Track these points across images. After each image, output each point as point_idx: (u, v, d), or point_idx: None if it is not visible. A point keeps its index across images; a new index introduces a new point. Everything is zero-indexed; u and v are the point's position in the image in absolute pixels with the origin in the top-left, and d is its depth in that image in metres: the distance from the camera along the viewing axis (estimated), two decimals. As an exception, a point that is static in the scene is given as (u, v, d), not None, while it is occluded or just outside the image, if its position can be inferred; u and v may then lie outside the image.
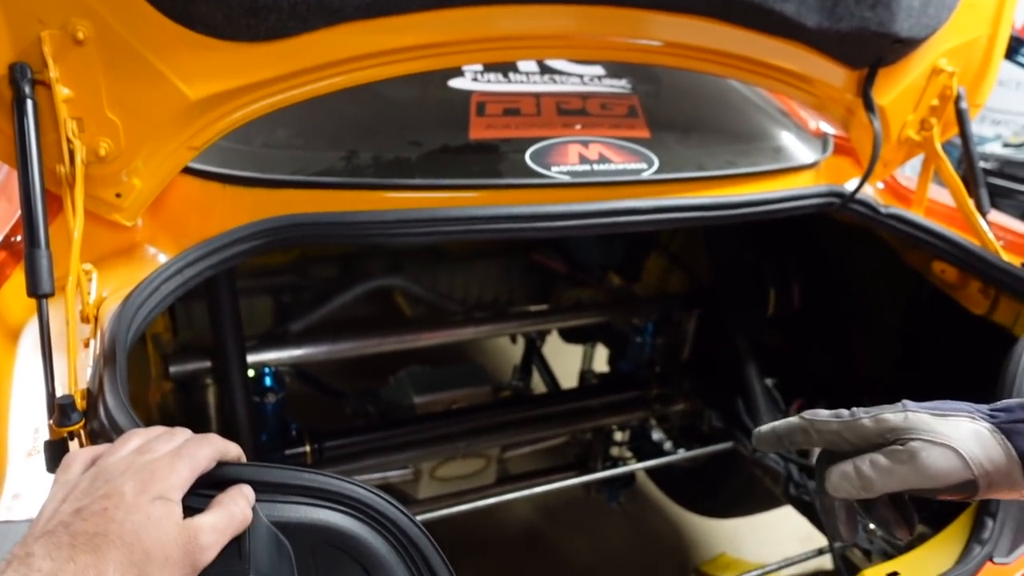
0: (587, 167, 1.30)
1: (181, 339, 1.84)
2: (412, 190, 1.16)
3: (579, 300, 2.59)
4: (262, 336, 1.86)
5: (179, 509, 0.61)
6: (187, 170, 1.13)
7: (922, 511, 1.60)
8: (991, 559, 1.11)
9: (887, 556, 1.54)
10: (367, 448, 1.77)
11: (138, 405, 1.48)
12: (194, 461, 0.66)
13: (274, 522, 0.70)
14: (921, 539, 1.49)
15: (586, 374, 2.59)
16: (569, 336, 2.58)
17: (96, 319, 0.95)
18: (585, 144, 1.34)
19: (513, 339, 2.73)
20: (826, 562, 2.86)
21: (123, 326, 0.87)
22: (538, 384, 2.80)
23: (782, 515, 2.63)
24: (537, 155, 1.29)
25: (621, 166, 1.32)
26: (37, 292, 0.85)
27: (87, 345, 0.93)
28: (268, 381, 1.66)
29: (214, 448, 0.68)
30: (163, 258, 1.11)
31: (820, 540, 2.95)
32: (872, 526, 1.52)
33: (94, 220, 1.05)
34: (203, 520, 0.62)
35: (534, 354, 2.58)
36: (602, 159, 1.32)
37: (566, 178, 1.26)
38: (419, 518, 1.59)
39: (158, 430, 0.71)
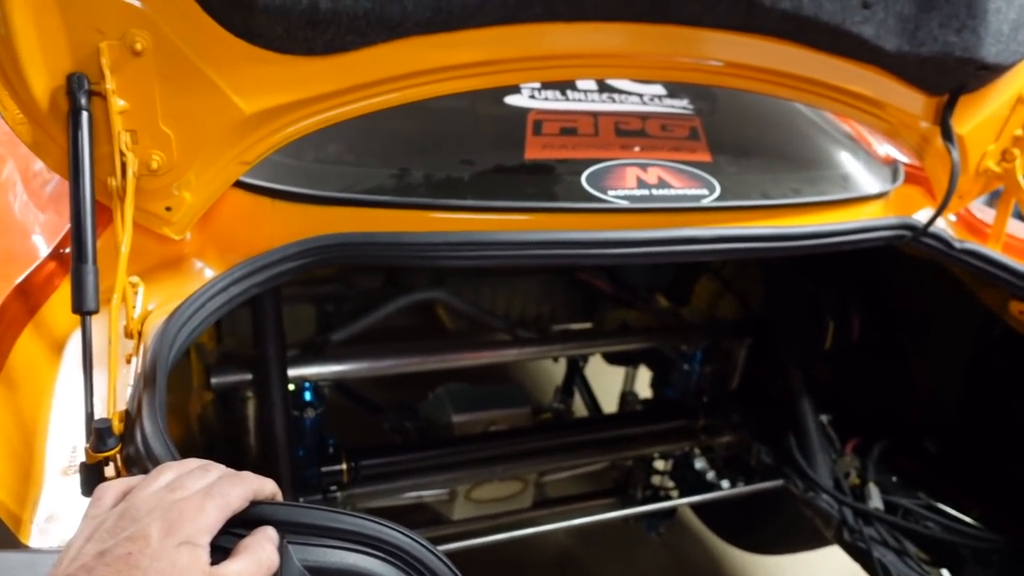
0: (646, 192, 1.25)
1: (225, 347, 1.83)
2: (462, 211, 1.12)
3: (624, 322, 2.52)
4: (304, 345, 1.84)
5: (206, 555, 0.58)
6: (237, 184, 1.10)
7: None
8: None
9: (949, 614, 1.44)
10: (404, 468, 1.73)
11: (178, 416, 1.47)
12: (225, 501, 0.63)
13: (308, 567, 0.66)
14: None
15: (628, 396, 2.52)
16: (613, 358, 2.51)
17: (140, 334, 0.93)
18: (644, 167, 1.29)
19: (555, 359, 2.67)
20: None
21: (165, 346, 0.84)
22: (579, 406, 2.74)
23: (826, 553, 2.52)
24: (594, 178, 1.24)
25: (681, 191, 1.27)
26: (81, 309, 0.83)
27: (129, 361, 0.91)
28: (308, 396, 1.64)
29: (246, 487, 0.65)
30: (209, 273, 1.09)
31: (868, 581, 2.83)
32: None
33: (143, 232, 1.03)
34: (230, 568, 0.59)
35: (576, 375, 2.52)
36: (661, 183, 1.27)
37: (624, 203, 1.21)
38: (451, 546, 1.54)
39: (192, 463, 0.68)
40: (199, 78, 0.92)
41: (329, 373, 1.67)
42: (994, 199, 1.75)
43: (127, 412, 0.80)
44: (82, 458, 0.78)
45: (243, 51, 0.92)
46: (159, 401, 0.76)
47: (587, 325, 2.65)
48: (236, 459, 1.44)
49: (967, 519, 1.63)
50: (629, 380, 2.54)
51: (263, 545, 0.63)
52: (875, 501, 1.67)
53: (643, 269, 2.44)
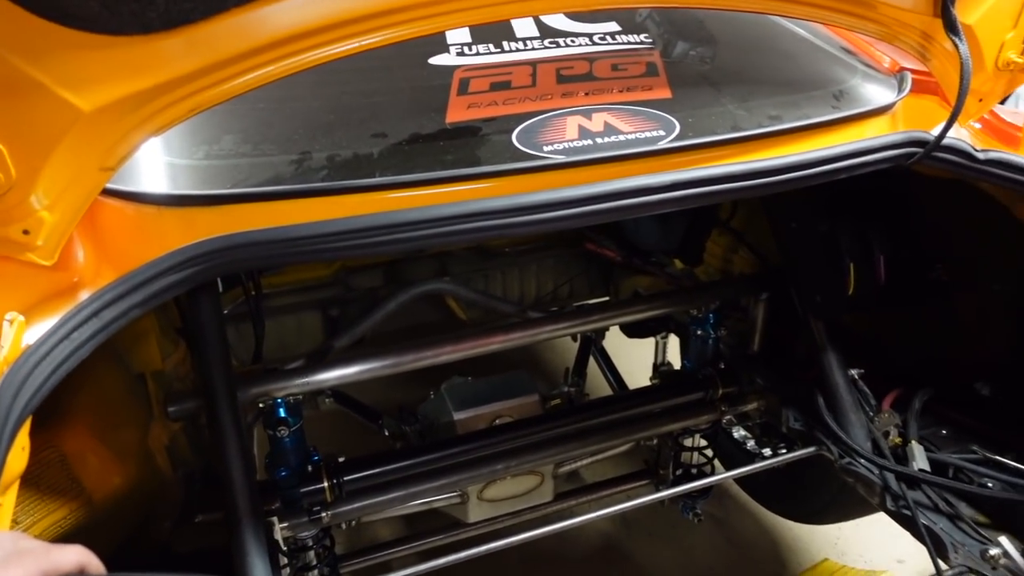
0: (588, 141, 1.07)
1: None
2: (368, 191, 0.97)
3: (636, 291, 2.35)
4: (309, 354, 1.73)
5: None
6: (116, 194, 0.98)
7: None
8: None
9: (1016, 582, 1.24)
10: (396, 478, 1.61)
11: (131, 454, 1.37)
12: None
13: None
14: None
15: (660, 367, 2.34)
16: (632, 331, 2.33)
17: None
18: (587, 114, 1.12)
19: (574, 338, 2.51)
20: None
21: (3, 402, 0.72)
22: (599, 386, 2.57)
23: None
24: (526, 134, 1.07)
25: (631, 135, 1.09)
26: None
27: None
28: (281, 412, 1.53)
29: (26, 569, 0.53)
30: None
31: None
32: (992, 552, 1.23)
33: (13, 263, 0.92)
34: None
35: (590, 353, 2.35)
36: (608, 130, 1.09)
37: (560, 158, 1.04)
38: (478, 549, 1.38)
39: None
40: (15, 76, 0.79)
41: (321, 381, 1.55)
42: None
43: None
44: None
45: (62, 37, 0.79)
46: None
47: (598, 301, 2.48)
48: (218, 489, 1.34)
49: (1031, 470, 1.41)
50: (660, 351, 2.37)
51: None
52: (919, 461, 1.47)
53: (651, 230, 2.25)
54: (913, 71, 1.45)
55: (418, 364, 1.69)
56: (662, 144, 1.08)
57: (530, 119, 1.10)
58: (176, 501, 1.50)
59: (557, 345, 3.53)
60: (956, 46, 1.19)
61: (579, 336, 2.33)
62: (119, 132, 0.88)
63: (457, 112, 1.10)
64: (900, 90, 1.37)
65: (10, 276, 0.92)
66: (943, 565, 1.29)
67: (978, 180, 1.32)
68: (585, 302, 2.44)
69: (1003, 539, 1.21)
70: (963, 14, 1.19)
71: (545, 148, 1.05)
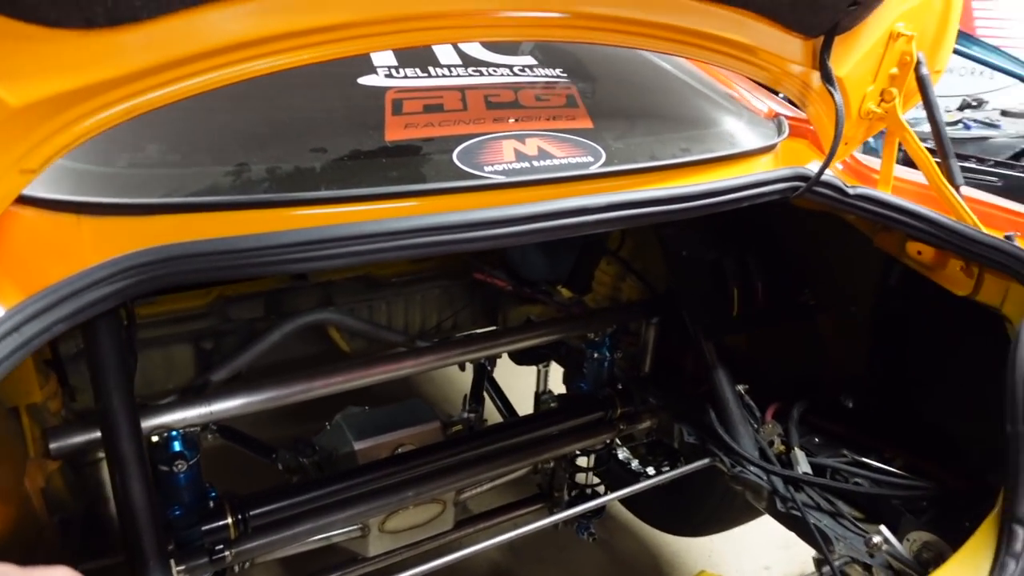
0: (525, 164, 1.12)
1: (78, 406, 1.58)
2: (318, 205, 0.95)
3: (528, 318, 2.41)
4: (182, 391, 1.61)
5: None
6: (31, 201, 0.90)
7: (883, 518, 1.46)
8: (1028, 574, 0.96)
9: (891, 569, 1.39)
10: (303, 511, 1.53)
11: (11, 494, 1.23)
12: None
13: None
14: (935, 554, 1.36)
15: (543, 396, 2.41)
16: (521, 358, 2.38)
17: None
18: (521, 139, 1.16)
19: (462, 366, 2.53)
20: (803, 568, 2.73)
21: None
22: (492, 413, 2.60)
23: (757, 524, 2.48)
24: (466, 154, 1.10)
25: (564, 160, 1.15)
26: None
27: None
28: (177, 446, 1.42)
29: None
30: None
31: (800, 547, 2.82)
32: (875, 539, 1.38)
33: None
34: None
35: (485, 380, 2.38)
36: (543, 154, 1.14)
37: (501, 178, 1.08)
38: None
39: None
40: (-63, 64, 0.71)
41: (206, 415, 1.44)
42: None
43: None
44: None
45: (-4, 26, 0.72)
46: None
47: (492, 329, 2.52)
48: (99, 535, 1.22)
49: (893, 470, 1.59)
50: (542, 380, 2.43)
51: None
52: (802, 466, 1.62)
53: (540, 260, 2.33)
54: (788, 117, 1.63)
55: (316, 393, 1.63)
56: (593, 169, 1.15)
57: (468, 140, 1.13)
58: (53, 550, 1.34)
59: (436, 377, 3.53)
60: (831, 94, 1.35)
61: (474, 364, 2.35)
62: (46, 131, 0.81)
63: (396, 131, 1.11)
64: (780, 132, 1.54)
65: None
66: (831, 557, 1.42)
67: (845, 212, 1.50)
68: (477, 331, 2.47)
69: (882, 528, 1.35)
70: (836, 67, 1.36)
71: (486, 168, 1.08)
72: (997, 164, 2.94)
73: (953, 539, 1.35)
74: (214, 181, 0.97)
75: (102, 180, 0.95)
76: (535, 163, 1.13)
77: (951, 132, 3.58)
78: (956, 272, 1.42)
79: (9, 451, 1.24)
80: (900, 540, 1.36)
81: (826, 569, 1.42)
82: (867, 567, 1.42)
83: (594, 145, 1.21)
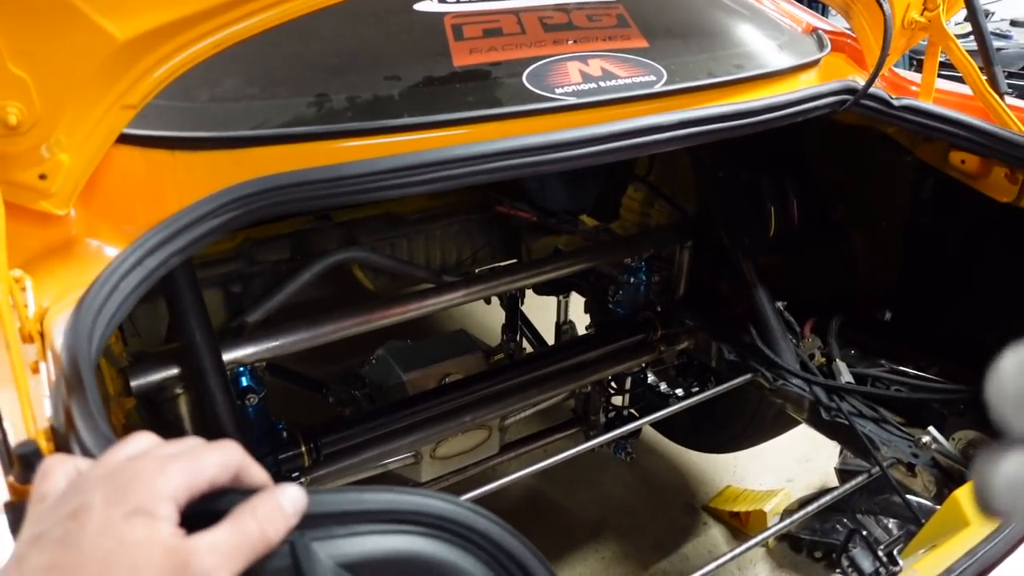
0: (592, 85, 1.13)
1: (132, 349, 1.61)
2: (402, 132, 0.97)
3: (556, 248, 2.44)
4: (219, 333, 1.64)
5: (167, 526, 0.44)
6: (122, 138, 0.90)
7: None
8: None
9: (936, 467, 1.46)
10: (367, 439, 1.59)
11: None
12: (195, 465, 0.48)
13: (342, 563, 0.53)
14: (977, 448, 1.42)
15: (564, 326, 2.45)
16: (544, 288, 2.42)
17: (42, 336, 0.74)
18: (584, 60, 1.16)
19: (488, 299, 2.56)
20: (824, 479, 2.84)
21: (82, 340, 0.66)
22: (525, 345, 2.65)
23: (778, 441, 2.58)
24: (535, 77, 1.11)
25: (629, 80, 1.15)
26: (-44, 311, 0.64)
27: (36, 371, 0.72)
28: (245, 380, 1.46)
29: (227, 455, 0.50)
30: (111, 251, 0.89)
31: (819, 459, 2.95)
32: (924, 439, 1.45)
33: (15, 213, 0.83)
34: (202, 539, 0.45)
35: (518, 312, 2.42)
36: (607, 75, 1.15)
37: (573, 99, 1.09)
38: None
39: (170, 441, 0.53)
40: (51, 0, 0.71)
41: (262, 352, 1.48)
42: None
43: (52, 428, 0.62)
44: (4, 496, 0.60)
45: (102, -43, 0.72)
46: (95, 403, 0.59)
47: (513, 261, 2.54)
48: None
49: (930, 377, 1.65)
50: (563, 310, 2.47)
51: (256, 511, 0.49)
52: (845, 376, 1.68)
53: (564, 192, 2.33)
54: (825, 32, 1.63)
55: (368, 326, 1.67)
56: (657, 88, 1.16)
57: (534, 63, 1.13)
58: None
59: (454, 313, 3.57)
60: (880, 4, 1.36)
61: (505, 297, 2.39)
62: (148, 65, 0.82)
63: (462, 56, 1.11)
64: (821, 47, 1.54)
65: (13, 229, 0.83)
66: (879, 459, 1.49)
67: (889, 125, 1.52)
68: (506, 263, 2.49)
69: (931, 428, 1.42)
70: (883, -24, 1.36)
71: (556, 90, 1.09)
72: (1012, 75, 2.93)
73: (996, 435, 1.42)
74: (298, 112, 0.97)
75: (188, 115, 0.95)
76: (601, 84, 1.13)
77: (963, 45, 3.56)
78: (1000, 179, 1.45)
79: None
80: (947, 439, 1.43)
81: (875, 470, 1.49)
82: (911, 467, 1.50)
83: (654, 64, 1.21)
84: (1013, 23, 3.62)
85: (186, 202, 0.89)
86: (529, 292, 2.42)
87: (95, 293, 0.73)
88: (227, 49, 0.90)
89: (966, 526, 0.96)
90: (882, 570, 0.98)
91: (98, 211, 0.93)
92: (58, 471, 0.50)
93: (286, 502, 0.50)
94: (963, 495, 1.03)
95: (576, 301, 2.48)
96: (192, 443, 0.51)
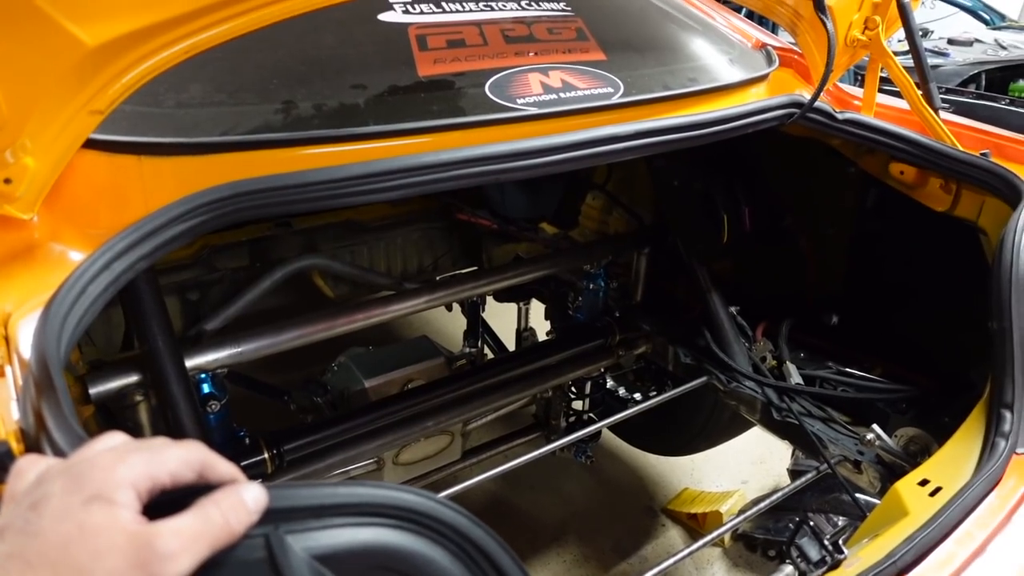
0: (553, 96, 1.17)
1: (88, 357, 1.59)
2: (369, 139, 0.99)
3: (517, 255, 2.47)
4: (180, 339, 1.63)
5: (126, 512, 0.45)
6: (88, 143, 0.91)
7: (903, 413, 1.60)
8: (1016, 451, 1.09)
9: (880, 463, 1.53)
10: (330, 445, 1.60)
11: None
12: (156, 456, 0.49)
13: (316, 555, 0.55)
14: (921, 446, 1.50)
15: (524, 333, 2.49)
16: (504, 295, 2.45)
17: (7, 339, 0.74)
18: (545, 72, 1.20)
19: (449, 306, 2.58)
20: (778, 480, 2.93)
21: (51, 341, 0.67)
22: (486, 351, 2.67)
23: (733, 444, 2.66)
24: (497, 87, 1.14)
25: (588, 91, 1.20)
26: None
27: (2, 374, 0.72)
28: (207, 387, 1.45)
29: (189, 452, 0.52)
30: (75, 256, 0.89)
31: (773, 462, 3.03)
32: (869, 436, 1.51)
33: (-19, 217, 0.83)
34: (164, 524, 0.46)
35: (479, 319, 2.44)
36: (567, 86, 1.19)
37: (534, 109, 1.12)
38: None
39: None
40: (18, 3, 0.72)
41: (223, 359, 1.48)
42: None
43: (22, 429, 0.63)
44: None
45: (73, -36, 0.73)
46: (66, 403, 0.60)
47: (474, 269, 2.57)
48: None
49: (875, 377, 1.73)
50: (523, 317, 2.51)
51: (220, 502, 0.50)
52: (795, 378, 1.74)
53: (524, 199, 2.37)
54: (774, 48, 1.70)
55: (330, 333, 1.68)
56: (615, 99, 1.20)
57: (496, 74, 1.16)
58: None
59: (414, 320, 3.58)
60: (824, 23, 1.43)
61: (467, 303, 2.41)
62: (115, 71, 0.82)
63: (427, 66, 1.14)
64: (770, 62, 1.61)
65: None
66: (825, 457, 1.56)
67: (833, 137, 1.59)
68: (467, 270, 2.52)
69: (874, 426, 1.49)
70: (827, -3, 1.43)
71: (518, 101, 1.13)
72: (948, 91, 3.08)
73: (936, 432, 1.50)
74: (265, 119, 0.99)
75: (155, 120, 0.96)
76: (561, 95, 1.17)
77: (902, 62, 3.71)
78: (936, 190, 1.53)
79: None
80: (890, 436, 1.50)
81: (823, 467, 1.56)
82: (857, 464, 1.56)
83: (611, 76, 1.26)
84: (950, 42, 3.80)
85: (152, 207, 0.90)
86: (490, 299, 2.45)
87: (63, 296, 0.73)
88: (195, 56, 0.91)
89: (905, 516, 1.02)
90: (828, 558, 1.03)
91: (63, 216, 0.93)
92: (31, 470, 0.51)
93: (248, 498, 0.52)
94: (903, 487, 1.09)
95: (537, 308, 2.52)
96: (160, 441, 0.53)
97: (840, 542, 1.03)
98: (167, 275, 2.04)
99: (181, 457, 0.51)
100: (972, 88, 3.37)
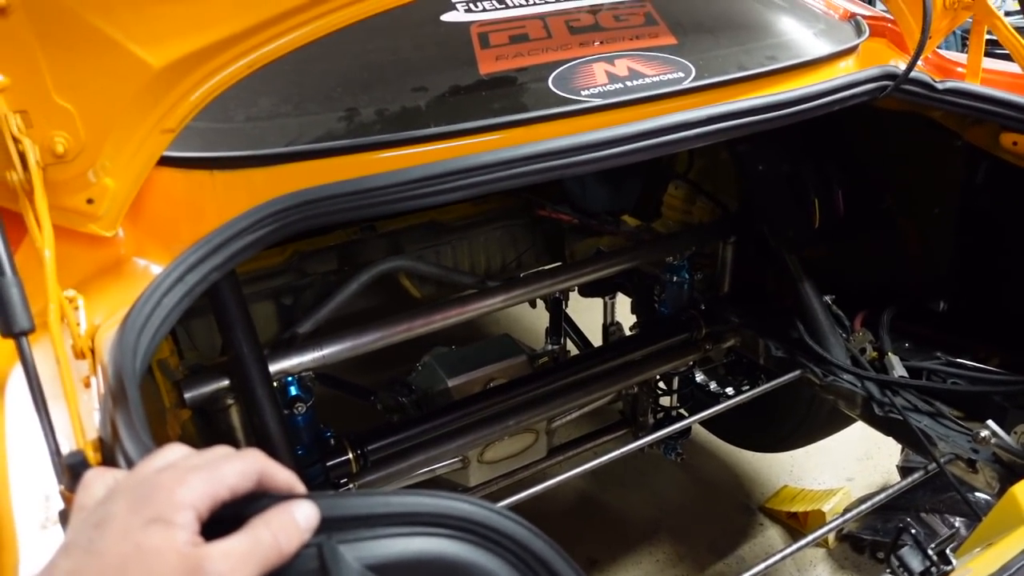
0: (619, 85, 1.13)
1: (188, 363, 1.67)
2: (430, 141, 0.99)
3: (598, 249, 2.43)
4: (272, 344, 1.69)
5: (184, 534, 0.47)
6: (164, 160, 0.95)
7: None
8: None
9: (998, 462, 1.41)
10: (414, 444, 1.62)
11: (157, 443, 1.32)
12: (215, 475, 0.50)
13: (368, 565, 0.55)
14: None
15: (611, 328, 2.44)
16: (589, 290, 2.42)
17: (93, 352, 0.78)
18: (611, 61, 1.16)
19: (532, 303, 2.57)
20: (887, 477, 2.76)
21: (127, 355, 0.70)
22: (570, 347, 2.65)
23: (836, 439, 2.51)
24: (560, 80, 1.11)
25: (657, 78, 1.15)
26: (13, 330, 0.68)
27: (88, 385, 0.76)
28: (294, 390, 1.50)
29: (247, 463, 0.52)
30: (157, 270, 0.93)
31: (880, 457, 2.86)
32: (983, 434, 1.39)
33: (67, 237, 0.88)
34: (216, 546, 0.47)
35: (562, 315, 2.42)
36: (634, 74, 1.15)
37: (598, 100, 1.09)
38: None
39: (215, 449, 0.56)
40: (88, 32, 0.76)
41: (308, 363, 1.52)
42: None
43: (100, 439, 0.66)
44: (59, 505, 0.64)
45: (135, -10, 0.76)
46: (137, 416, 0.63)
47: (562, 264, 2.55)
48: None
49: (990, 368, 1.59)
50: (609, 311, 2.46)
51: (271, 522, 0.51)
52: (898, 370, 1.63)
53: (604, 193, 2.33)
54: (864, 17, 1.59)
55: (410, 334, 1.70)
56: (686, 84, 1.15)
57: (559, 67, 1.14)
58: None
59: (501, 319, 3.59)
60: (919, -14, 1.32)
61: (549, 299, 2.39)
62: (184, 90, 0.85)
63: (488, 64, 1.13)
64: (859, 33, 1.50)
65: (66, 251, 0.88)
66: (936, 455, 1.45)
67: (934, 109, 1.47)
68: (548, 266, 2.50)
69: (990, 422, 1.37)
70: (920, -44, 1.32)
71: (582, 92, 1.10)
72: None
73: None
74: (329, 127, 1.00)
75: (226, 135, 0.99)
76: (628, 83, 1.13)
77: (1013, 23, 3.42)
78: (1054, 160, 1.39)
79: (151, 403, 1.33)
80: (1008, 433, 1.37)
81: (931, 467, 1.44)
82: (971, 462, 1.44)
83: (682, 60, 1.20)
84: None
85: (226, 219, 0.93)
86: (576, 296, 2.42)
87: (139, 310, 0.76)
88: (259, 69, 0.93)
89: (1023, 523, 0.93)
90: (933, 569, 0.95)
91: (144, 231, 0.97)
92: (97, 483, 0.53)
93: (300, 516, 0.53)
94: (1021, 490, 0.99)
95: (624, 303, 2.47)
96: (218, 452, 0.54)
97: (948, 551, 0.95)
98: (261, 282, 2.13)
99: (239, 470, 0.52)
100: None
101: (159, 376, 1.41)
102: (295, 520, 0.52)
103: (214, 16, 0.82)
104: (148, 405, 1.34)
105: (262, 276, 2.12)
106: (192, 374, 1.43)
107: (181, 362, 1.68)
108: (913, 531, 0.97)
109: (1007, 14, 3.52)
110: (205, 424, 1.50)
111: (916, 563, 0.96)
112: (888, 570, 1.02)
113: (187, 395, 1.35)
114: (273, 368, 1.45)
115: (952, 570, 0.87)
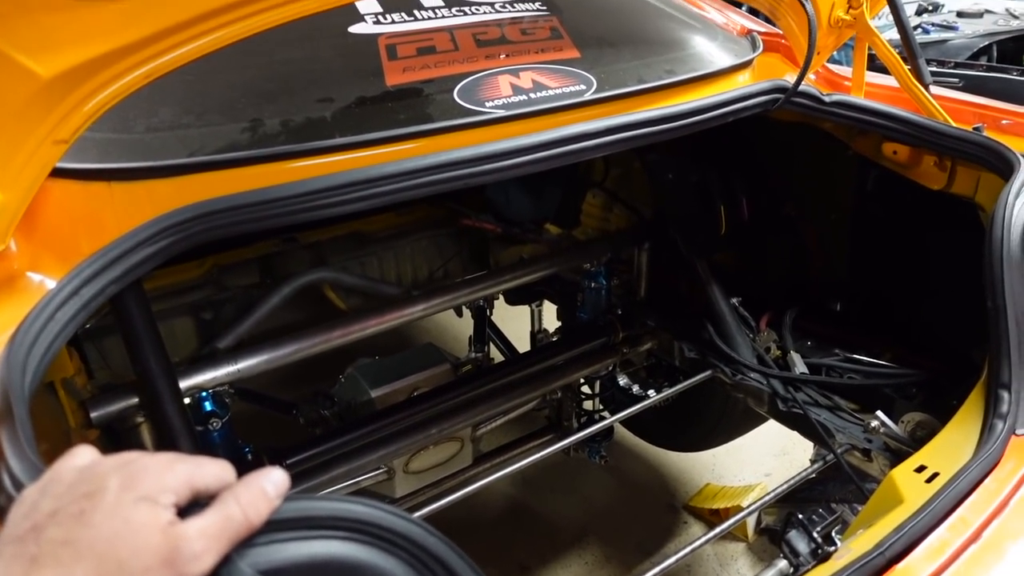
0: (523, 97, 1.16)
1: (99, 382, 1.62)
2: (334, 152, 1.00)
3: (521, 257, 2.47)
4: (190, 360, 1.66)
5: (167, 514, 0.51)
6: (60, 172, 0.93)
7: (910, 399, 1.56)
8: (1015, 432, 1.06)
9: (888, 451, 1.50)
10: (334, 456, 1.61)
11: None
12: (197, 470, 0.55)
13: (263, 571, 0.56)
14: (928, 431, 1.46)
15: (539, 334, 2.48)
16: (514, 297, 2.45)
17: (-22, 370, 0.76)
18: (515, 73, 1.20)
19: (459, 312, 2.59)
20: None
21: (15, 371, 0.69)
22: (495, 355, 2.68)
23: (754, 436, 2.62)
24: (466, 92, 1.14)
25: (559, 90, 1.19)
26: None
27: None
28: (208, 405, 1.47)
29: (224, 470, 0.57)
30: (52, 284, 0.91)
31: (796, 453, 2.98)
32: (873, 424, 1.48)
33: (-45, 251, 0.85)
34: (191, 525, 0.51)
35: (486, 322, 2.45)
36: (537, 86, 1.19)
37: (502, 112, 1.12)
38: None
39: None
40: (-29, 42, 0.74)
41: (225, 376, 1.50)
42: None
43: (-15, 457, 0.64)
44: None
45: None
46: (25, 435, 0.62)
47: (480, 273, 2.57)
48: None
49: (882, 363, 1.70)
50: (536, 319, 2.50)
51: (239, 497, 0.55)
52: (799, 367, 1.72)
53: (526, 201, 2.37)
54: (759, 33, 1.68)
55: (333, 343, 1.69)
56: (587, 96, 1.20)
57: (465, 79, 1.17)
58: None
59: (431, 328, 3.60)
60: (803, 5, 1.40)
61: (473, 307, 2.41)
62: (75, 101, 0.84)
63: (395, 75, 1.15)
64: (754, 48, 1.59)
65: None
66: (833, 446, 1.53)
67: (822, 120, 1.57)
68: (475, 274, 2.52)
69: (879, 413, 1.46)
70: (786, -21, 1.41)
71: (487, 104, 1.13)
72: (957, 65, 3.01)
73: (943, 416, 1.45)
74: (232, 138, 1.00)
75: (124, 146, 0.98)
76: (531, 95, 1.17)
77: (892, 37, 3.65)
78: (930, 168, 1.50)
79: (55, 423, 1.28)
80: (896, 423, 1.47)
81: (830, 457, 1.53)
82: (866, 452, 1.53)
83: (584, 73, 1.25)
84: (960, 14, 3.72)
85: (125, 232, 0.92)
86: (503, 303, 2.45)
87: (29, 325, 0.75)
88: (159, 79, 0.93)
89: (900, 503, 1.00)
90: (819, 551, 1.01)
91: (40, 244, 0.95)
92: (80, 456, 0.56)
93: (268, 485, 0.57)
94: (898, 474, 1.06)
95: (551, 310, 2.51)
96: (202, 458, 0.58)
97: (834, 533, 1.01)
98: (178, 296, 2.07)
99: (215, 474, 0.56)
100: (983, 61, 3.28)
101: (63, 395, 1.37)
102: (264, 490, 0.56)
103: (107, 25, 0.82)
104: (50, 425, 1.30)
105: (179, 290, 2.06)
106: (100, 393, 1.39)
107: (90, 381, 1.63)
108: (800, 516, 1.03)
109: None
110: (114, 444, 1.46)
111: (803, 545, 1.03)
112: (781, 555, 1.08)
113: (93, 414, 1.31)
114: (185, 384, 1.42)
115: (835, 550, 0.93)
